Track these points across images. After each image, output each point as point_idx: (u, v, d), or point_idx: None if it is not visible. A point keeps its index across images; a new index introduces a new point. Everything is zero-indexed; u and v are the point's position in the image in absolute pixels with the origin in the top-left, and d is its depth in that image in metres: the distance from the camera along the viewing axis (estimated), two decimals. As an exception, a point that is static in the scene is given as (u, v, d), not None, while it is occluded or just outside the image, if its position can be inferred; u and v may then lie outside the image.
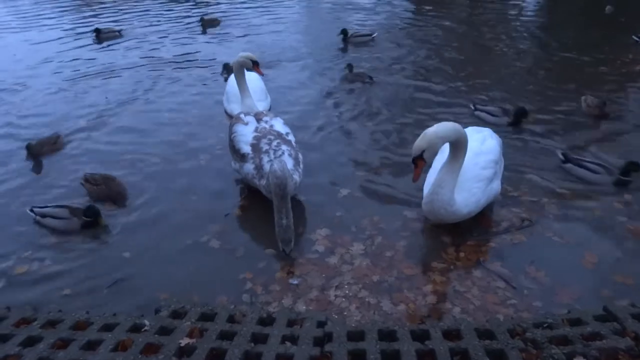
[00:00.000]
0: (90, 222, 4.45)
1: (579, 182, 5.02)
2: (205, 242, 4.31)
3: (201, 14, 12.39)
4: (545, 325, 3.02)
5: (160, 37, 10.90)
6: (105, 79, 8.54)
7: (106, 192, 4.88)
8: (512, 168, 5.22)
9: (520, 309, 3.48)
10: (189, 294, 3.65)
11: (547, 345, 2.83)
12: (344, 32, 10.13)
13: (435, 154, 3.89)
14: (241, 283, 3.82)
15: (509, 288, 3.68)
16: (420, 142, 3.79)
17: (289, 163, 4.42)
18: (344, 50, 9.80)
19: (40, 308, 3.51)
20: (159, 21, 12.32)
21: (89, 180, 4.98)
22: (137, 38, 10.92)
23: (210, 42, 10.58)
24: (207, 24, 11.50)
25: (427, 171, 4.48)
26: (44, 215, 4.52)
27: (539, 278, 3.76)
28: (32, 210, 4.59)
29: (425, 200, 4.24)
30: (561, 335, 2.91)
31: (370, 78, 7.93)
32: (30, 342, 2.99)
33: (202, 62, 9.26)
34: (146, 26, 11.92)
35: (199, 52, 9.78)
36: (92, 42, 10.75)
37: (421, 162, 3.82)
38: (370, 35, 10.27)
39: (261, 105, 6.53)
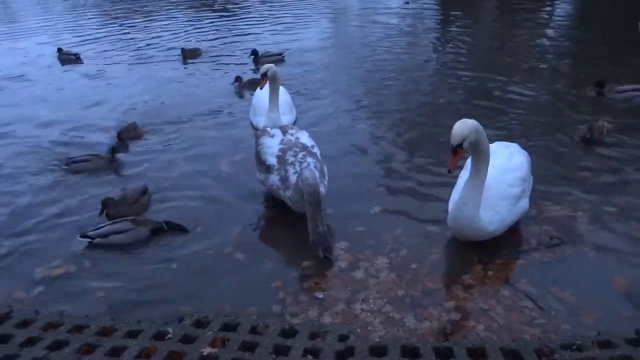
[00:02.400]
0: (159, 227, 4.54)
1: (614, 199, 4.90)
2: (230, 252, 4.33)
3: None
4: (574, 347, 2.95)
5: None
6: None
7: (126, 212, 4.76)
8: (544, 182, 5.14)
9: (547, 329, 3.38)
10: (214, 305, 3.66)
11: (576, 367, 2.75)
12: (255, 52, 10.22)
13: (471, 145, 3.77)
14: (271, 293, 3.82)
15: (535, 308, 3.59)
16: (462, 130, 3.66)
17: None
18: (255, 70, 9.71)
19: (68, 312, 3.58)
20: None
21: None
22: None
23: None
24: (188, 55, 10.82)
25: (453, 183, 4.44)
26: (105, 235, 4.39)
27: (566, 298, 3.66)
28: (85, 236, 4.40)
29: (450, 217, 4.20)
30: (590, 358, 2.83)
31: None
32: (57, 346, 3.04)
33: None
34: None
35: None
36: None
37: (461, 151, 3.70)
38: (280, 54, 10.36)
39: (286, 119, 6.57)
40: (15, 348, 3.00)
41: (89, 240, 4.40)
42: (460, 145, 3.68)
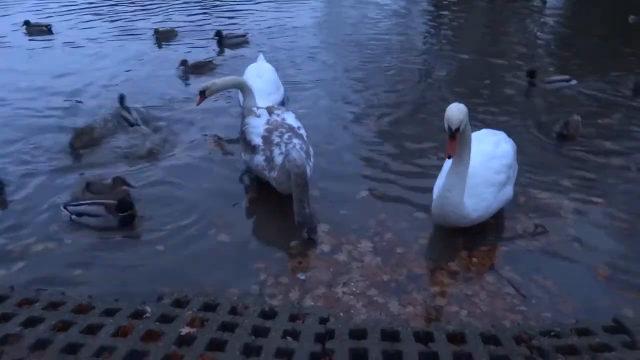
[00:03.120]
0: (126, 217, 4.33)
1: (599, 191, 4.91)
2: (214, 234, 4.28)
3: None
4: (552, 334, 2.95)
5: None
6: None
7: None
8: (530, 172, 5.14)
9: (528, 316, 3.40)
10: (197, 285, 3.62)
11: (554, 354, 2.76)
12: (219, 34, 9.76)
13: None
14: (253, 274, 3.80)
15: (517, 295, 3.60)
16: (459, 114, 3.63)
17: None
18: (220, 52, 9.54)
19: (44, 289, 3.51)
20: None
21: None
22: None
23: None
24: (162, 37, 10.21)
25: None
26: (79, 214, 4.36)
27: (547, 286, 3.68)
28: (65, 208, 4.41)
29: (434, 204, 4.17)
30: (569, 345, 2.84)
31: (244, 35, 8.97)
32: (32, 322, 2.98)
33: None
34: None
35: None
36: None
37: (458, 134, 3.66)
38: (244, 35, 10.14)
39: (271, 99, 6.44)
40: (-13, 324, 2.93)
41: (69, 214, 4.35)
42: (458, 129, 3.66)
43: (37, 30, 10.69)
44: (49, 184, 5.03)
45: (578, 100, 7.25)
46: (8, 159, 5.53)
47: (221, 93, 6.57)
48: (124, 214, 4.31)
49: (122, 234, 4.29)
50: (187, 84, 7.92)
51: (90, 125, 5.89)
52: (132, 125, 6.25)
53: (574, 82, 7.68)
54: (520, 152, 4.76)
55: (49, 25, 10.83)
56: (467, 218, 4.08)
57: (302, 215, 4.09)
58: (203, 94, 5.65)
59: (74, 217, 4.36)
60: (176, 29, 10.57)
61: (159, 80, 8.00)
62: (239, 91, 6.78)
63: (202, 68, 8.30)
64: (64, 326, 2.94)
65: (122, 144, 5.83)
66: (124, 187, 4.70)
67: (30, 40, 10.33)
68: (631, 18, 11.32)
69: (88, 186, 4.74)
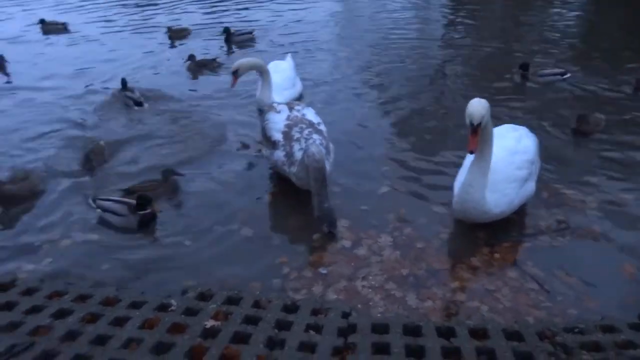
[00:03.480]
0: (146, 217, 4.32)
1: (625, 184, 4.84)
2: (238, 228, 4.33)
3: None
4: (576, 330, 2.94)
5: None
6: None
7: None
8: (553, 167, 5.10)
9: (552, 313, 3.37)
10: (222, 279, 3.67)
11: (578, 350, 2.74)
12: (226, 30, 9.83)
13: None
14: (276, 268, 3.83)
15: (541, 291, 3.58)
16: (481, 110, 3.60)
17: None
18: (228, 49, 9.61)
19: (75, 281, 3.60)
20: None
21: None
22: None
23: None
24: (175, 36, 10.24)
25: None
26: (104, 210, 4.41)
27: (571, 283, 3.64)
28: (94, 201, 4.49)
29: (455, 200, 4.16)
30: (593, 342, 2.82)
31: (215, 60, 8.48)
32: (61, 314, 3.06)
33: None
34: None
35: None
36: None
37: (480, 129, 3.64)
38: (251, 32, 10.08)
39: (284, 95, 6.51)
40: (19, 315, 3.02)
41: (95, 207, 4.44)
42: (480, 124, 3.63)
43: (53, 28, 10.88)
44: (77, 180, 5.13)
45: (596, 94, 7.14)
46: (32, 155, 5.67)
47: (238, 89, 6.75)
48: (144, 212, 4.31)
49: (147, 230, 4.36)
50: (194, 79, 8.08)
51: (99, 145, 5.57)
52: (137, 103, 6.64)
53: (568, 75, 7.59)
54: (543, 146, 4.72)
55: (65, 23, 11.02)
56: (488, 214, 4.06)
57: (321, 210, 4.12)
58: (236, 74, 5.93)
59: (98, 211, 4.44)
60: (190, 27, 10.62)
61: (170, 78, 8.14)
62: (258, 84, 6.84)
63: (206, 66, 8.39)
64: (93, 318, 3.02)
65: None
66: (174, 177, 4.82)
67: (46, 37, 10.54)
68: None
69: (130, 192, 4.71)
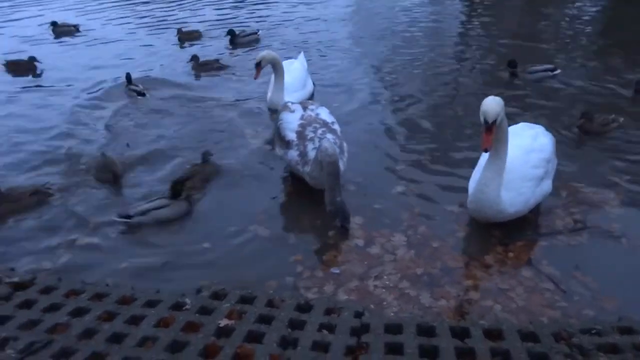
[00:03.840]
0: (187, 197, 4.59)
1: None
2: (254, 228, 4.34)
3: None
4: (593, 332, 2.89)
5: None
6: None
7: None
8: (571, 165, 5.05)
9: (568, 313, 3.34)
10: (236, 278, 3.68)
11: (595, 352, 2.70)
12: (231, 32, 9.80)
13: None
14: (290, 267, 3.84)
15: (557, 291, 3.53)
16: (496, 107, 3.58)
17: None
18: (233, 50, 9.56)
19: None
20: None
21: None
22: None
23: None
24: (185, 37, 10.25)
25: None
26: (145, 212, 4.37)
27: (588, 283, 3.60)
28: (124, 217, 4.36)
29: (470, 199, 4.13)
30: (610, 344, 2.78)
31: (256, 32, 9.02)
32: (78, 312, 3.11)
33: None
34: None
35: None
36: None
37: (495, 128, 3.62)
38: (256, 33, 10.06)
39: (295, 96, 6.53)
40: (38, 313, 3.08)
41: (127, 220, 4.37)
42: (495, 122, 3.60)
43: (65, 30, 11.02)
44: (91, 181, 5.20)
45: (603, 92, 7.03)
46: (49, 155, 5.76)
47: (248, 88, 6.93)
48: (181, 197, 4.53)
49: (163, 230, 4.39)
50: (197, 79, 8.13)
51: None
52: (140, 94, 7.29)
53: (558, 71, 7.55)
54: (561, 144, 4.66)
55: (77, 25, 11.19)
56: (503, 213, 4.02)
57: (333, 204, 4.12)
58: (259, 66, 6.09)
59: (136, 219, 4.37)
60: (200, 30, 10.58)
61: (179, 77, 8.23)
62: (270, 84, 6.84)
63: (207, 65, 8.45)
64: (109, 316, 3.06)
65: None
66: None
67: (59, 39, 10.69)
68: None
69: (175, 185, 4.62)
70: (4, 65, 8.73)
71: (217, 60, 8.59)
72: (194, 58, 8.46)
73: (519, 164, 4.06)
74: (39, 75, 8.61)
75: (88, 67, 8.82)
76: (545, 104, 6.74)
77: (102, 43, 10.30)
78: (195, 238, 4.25)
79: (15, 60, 8.82)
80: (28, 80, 8.41)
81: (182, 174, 4.96)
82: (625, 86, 7.12)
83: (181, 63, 8.70)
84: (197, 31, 10.50)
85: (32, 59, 8.75)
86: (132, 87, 7.43)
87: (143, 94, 7.31)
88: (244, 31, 10.16)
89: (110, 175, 5.00)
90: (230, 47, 9.72)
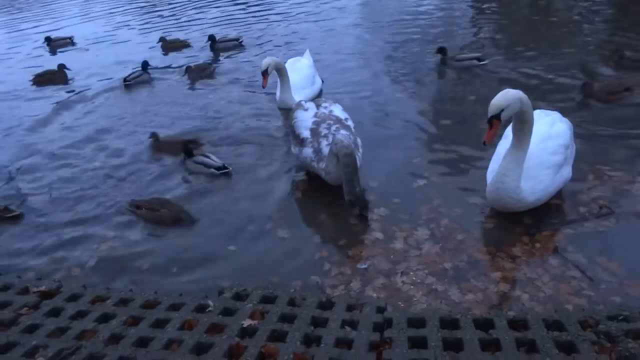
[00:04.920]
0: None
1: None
2: (272, 228, 4.36)
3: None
4: (620, 318, 2.84)
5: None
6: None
7: (169, 215, 4.50)
8: (596, 148, 5.00)
9: (595, 300, 3.28)
10: (261, 279, 3.69)
11: (623, 338, 2.66)
12: (211, 38, 9.62)
13: (510, 117, 3.66)
14: (313, 266, 3.85)
15: (584, 278, 3.48)
16: (500, 100, 3.55)
17: None
18: (214, 57, 9.42)
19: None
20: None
21: (142, 206, 4.61)
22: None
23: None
24: (168, 46, 10.21)
25: (490, 156, 4.32)
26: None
27: (615, 269, 3.52)
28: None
29: (489, 189, 4.08)
30: (638, 329, 2.72)
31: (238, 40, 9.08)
32: (105, 318, 3.16)
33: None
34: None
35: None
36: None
37: (497, 122, 3.58)
38: (237, 39, 9.81)
39: (304, 94, 6.54)
40: (66, 321, 3.14)
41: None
42: (496, 117, 3.56)
43: (60, 44, 11.25)
44: (110, 182, 5.32)
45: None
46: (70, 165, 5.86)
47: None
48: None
49: (179, 232, 4.44)
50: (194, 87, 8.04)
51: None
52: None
53: (486, 61, 7.64)
54: (582, 129, 4.57)
55: (71, 36, 11.44)
56: (523, 202, 3.97)
57: (352, 194, 4.14)
58: (266, 74, 6.10)
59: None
60: (183, 39, 10.46)
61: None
62: (277, 85, 6.85)
63: (204, 71, 8.37)
64: (134, 321, 3.11)
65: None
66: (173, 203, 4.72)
67: (53, 54, 10.89)
68: None
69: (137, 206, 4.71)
70: (33, 79, 8.80)
71: (210, 65, 8.60)
72: (188, 69, 8.32)
73: (537, 152, 4.00)
74: (68, 83, 8.75)
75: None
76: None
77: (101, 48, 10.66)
78: (217, 240, 4.27)
79: (46, 71, 8.90)
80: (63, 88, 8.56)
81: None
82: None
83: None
84: (179, 40, 10.44)
85: (62, 67, 8.87)
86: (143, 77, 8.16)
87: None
88: (224, 37, 9.96)
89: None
90: (211, 53, 9.53)
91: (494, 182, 4.00)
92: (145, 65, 8.42)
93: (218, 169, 5.21)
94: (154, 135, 6.02)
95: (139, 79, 8.31)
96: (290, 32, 10.54)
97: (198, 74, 8.30)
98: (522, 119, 3.70)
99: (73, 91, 8.27)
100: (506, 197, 3.94)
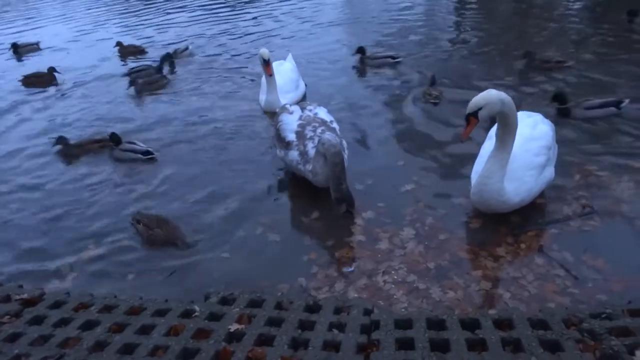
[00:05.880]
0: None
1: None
2: (262, 232, 4.35)
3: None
4: (603, 316, 2.88)
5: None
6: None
7: (162, 237, 4.30)
8: (576, 150, 5.07)
9: (578, 299, 3.33)
10: (249, 284, 3.67)
11: (606, 336, 2.69)
12: (167, 57, 9.09)
13: (489, 116, 3.71)
14: (300, 268, 3.85)
15: (568, 277, 3.52)
16: (479, 99, 3.63)
17: None
18: (171, 69, 9.01)
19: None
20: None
21: (141, 221, 4.43)
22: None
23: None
24: (125, 52, 10.20)
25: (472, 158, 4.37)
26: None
27: (599, 267, 3.58)
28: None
29: (473, 191, 4.12)
30: (621, 327, 2.76)
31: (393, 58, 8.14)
32: (89, 325, 3.11)
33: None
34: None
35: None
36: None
37: (474, 120, 3.66)
38: (187, 48, 9.66)
39: (288, 97, 6.55)
40: (49, 328, 3.09)
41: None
42: (473, 114, 3.62)
43: (28, 49, 11.19)
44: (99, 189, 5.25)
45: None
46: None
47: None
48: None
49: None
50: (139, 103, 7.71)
51: None
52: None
53: (399, 59, 7.99)
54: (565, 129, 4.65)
55: (38, 42, 11.45)
56: (508, 203, 4.01)
57: (339, 191, 4.17)
58: (269, 63, 6.24)
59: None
60: (141, 45, 10.47)
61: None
62: (261, 88, 6.83)
63: (153, 84, 8.07)
64: (119, 328, 3.06)
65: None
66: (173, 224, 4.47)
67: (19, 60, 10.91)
68: None
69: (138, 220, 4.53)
70: (22, 80, 8.80)
71: (164, 76, 8.26)
72: (133, 83, 7.93)
73: (521, 153, 4.05)
74: (58, 85, 8.72)
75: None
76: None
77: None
78: (210, 246, 4.23)
79: (34, 74, 8.88)
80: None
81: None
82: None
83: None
84: (135, 45, 10.42)
85: (52, 70, 8.85)
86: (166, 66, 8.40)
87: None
88: (179, 48, 9.66)
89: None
90: (168, 67, 9.00)
91: (477, 184, 4.03)
92: (168, 58, 8.71)
93: (144, 153, 5.65)
94: (60, 140, 6.03)
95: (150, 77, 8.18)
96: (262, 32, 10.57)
97: (145, 87, 7.95)
98: (505, 121, 3.74)
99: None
100: (490, 198, 3.98)
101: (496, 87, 4.08)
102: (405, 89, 7.21)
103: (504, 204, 4.00)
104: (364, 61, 8.18)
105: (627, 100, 5.73)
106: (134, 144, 5.84)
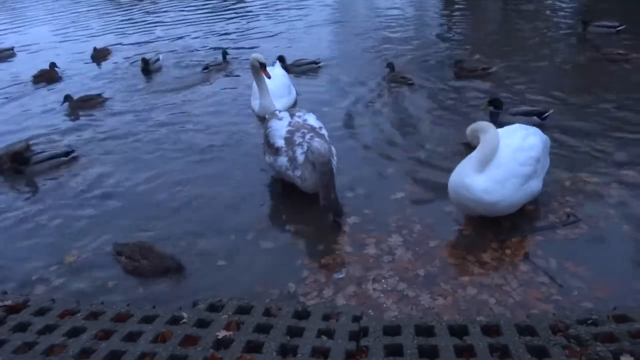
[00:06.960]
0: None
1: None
2: (253, 238, 4.34)
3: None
4: (589, 322, 2.92)
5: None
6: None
7: (150, 269, 3.96)
8: (564, 159, 5.13)
9: (563, 305, 3.36)
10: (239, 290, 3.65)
11: (592, 342, 2.73)
12: (144, 60, 9.03)
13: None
14: (289, 275, 3.84)
15: (553, 284, 3.56)
16: (468, 133, 4.36)
17: None
18: (147, 77, 8.90)
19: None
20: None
21: (122, 253, 4.09)
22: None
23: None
24: (100, 56, 10.24)
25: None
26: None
27: (583, 274, 3.62)
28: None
29: (448, 184, 4.19)
30: (607, 333, 2.80)
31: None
32: (75, 332, 3.08)
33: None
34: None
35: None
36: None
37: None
38: (158, 58, 9.45)
39: (282, 102, 6.55)
40: (33, 335, 3.04)
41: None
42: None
43: (4, 55, 11.26)
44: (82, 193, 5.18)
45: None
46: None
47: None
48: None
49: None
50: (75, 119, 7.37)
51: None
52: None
53: (321, 63, 8.47)
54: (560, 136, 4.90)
55: (12, 47, 11.57)
56: (477, 198, 3.98)
57: (327, 199, 4.18)
58: (264, 66, 6.23)
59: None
60: (110, 48, 10.65)
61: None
62: (253, 94, 6.83)
63: (88, 102, 7.65)
64: (106, 335, 3.03)
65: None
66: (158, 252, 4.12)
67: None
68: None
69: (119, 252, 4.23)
70: (32, 80, 9.03)
71: (99, 95, 7.82)
72: (67, 98, 7.52)
73: (507, 161, 4.09)
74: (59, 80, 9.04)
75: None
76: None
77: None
78: (206, 256, 4.18)
79: (42, 71, 9.13)
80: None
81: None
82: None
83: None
84: (107, 48, 10.60)
85: (54, 65, 9.17)
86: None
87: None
88: (152, 57, 9.30)
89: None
90: (144, 75, 8.92)
91: (451, 178, 4.14)
92: (224, 54, 9.08)
93: (66, 154, 5.52)
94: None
95: (219, 67, 8.87)
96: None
97: (79, 104, 7.54)
98: (482, 137, 4.10)
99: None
100: (458, 190, 4.04)
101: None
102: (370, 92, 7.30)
103: (474, 197, 3.99)
104: (287, 68, 8.00)
105: (551, 111, 5.92)
106: (43, 151, 5.62)
